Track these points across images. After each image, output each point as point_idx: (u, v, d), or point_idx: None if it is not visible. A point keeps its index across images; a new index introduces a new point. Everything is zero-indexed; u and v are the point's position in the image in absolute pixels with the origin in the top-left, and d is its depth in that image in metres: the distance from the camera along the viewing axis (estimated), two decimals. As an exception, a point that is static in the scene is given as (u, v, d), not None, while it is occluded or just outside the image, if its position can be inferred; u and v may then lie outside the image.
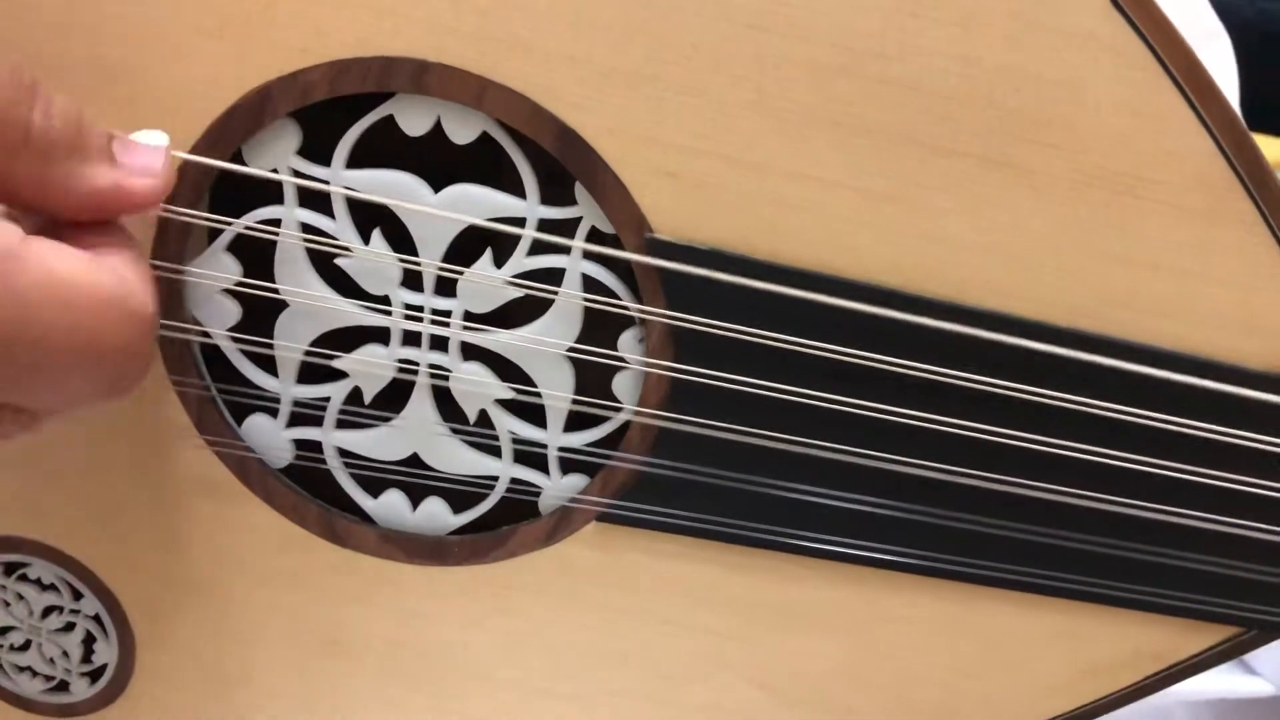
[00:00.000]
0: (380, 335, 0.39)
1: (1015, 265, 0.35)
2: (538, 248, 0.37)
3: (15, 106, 0.26)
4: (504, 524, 0.41)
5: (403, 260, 0.37)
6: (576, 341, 0.38)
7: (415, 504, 0.41)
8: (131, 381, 0.30)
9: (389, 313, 0.38)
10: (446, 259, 0.37)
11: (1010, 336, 0.36)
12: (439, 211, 0.36)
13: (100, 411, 0.33)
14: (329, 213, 0.37)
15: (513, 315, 0.38)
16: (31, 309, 0.26)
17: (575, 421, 0.40)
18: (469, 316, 0.38)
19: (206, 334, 0.39)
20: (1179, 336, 0.36)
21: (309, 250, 0.38)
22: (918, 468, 0.38)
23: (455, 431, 0.40)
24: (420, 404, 0.40)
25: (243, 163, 0.36)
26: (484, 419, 0.40)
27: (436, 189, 0.37)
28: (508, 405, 0.40)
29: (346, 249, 0.37)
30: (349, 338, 0.39)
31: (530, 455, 0.40)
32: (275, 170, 0.37)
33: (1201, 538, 0.38)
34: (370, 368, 0.39)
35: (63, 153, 0.27)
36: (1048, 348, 0.36)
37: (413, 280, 0.38)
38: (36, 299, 0.26)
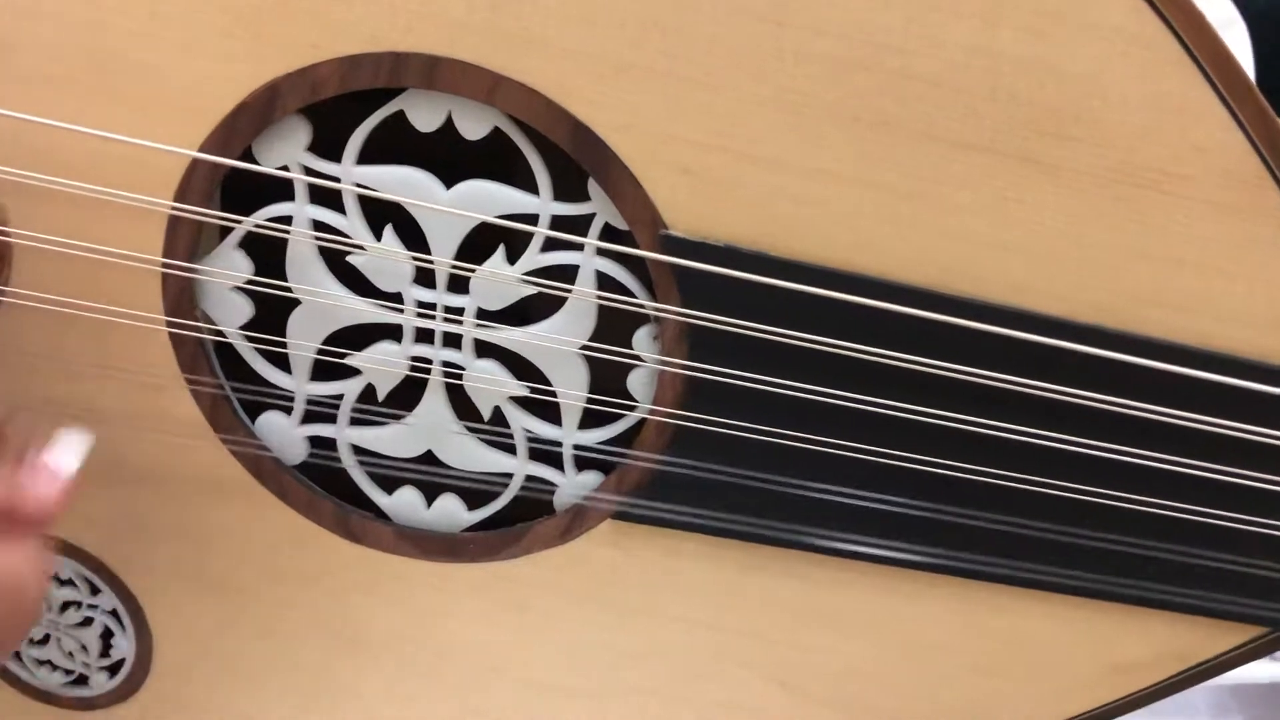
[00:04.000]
0: (393, 332, 0.38)
1: (1037, 261, 0.35)
2: (551, 244, 0.37)
3: None
4: (519, 521, 0.41)
5: (415, 258, 0.37)
6: (591, 339, 0.38)
7: (430, 501, 0.41)
8: (4, 650, 0.32)
9: (402, 310, 0.38)
10: (459, 256, 0.37)
11: (1031, 334, 0.35)
12: (451, 209, 0.36)
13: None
14: (340, 209, 0.37)
15: (526, 312, 0.38)
16: None
17: (590, 419, 0.39)
18: (482, 314, 0.38)
19: (219, 332, 0.39)
20: (1204, 333, 0.35)
21: (321, 247, 0.37)
22: (937, 466, 0.37)
23: (470, 429, 0.40)
24: (434, 401, 0.39)
25: (253, 160, 0.36)
26: (498, 416, 0.40)
27: (448, 185, 0.36)
28: (522, 403, 0.39)
29: (358, 246, 0.37)
30: (362, 335, 0.39)
31: (545, 452, 0.40)
32: (286, 167, 0.36)
33: (1227, 537, 0.38)
34: (383, 365, 0.39)
35: None
36: (1070, 345, 0.35)
37: (425, 277, 0.37)
38: None
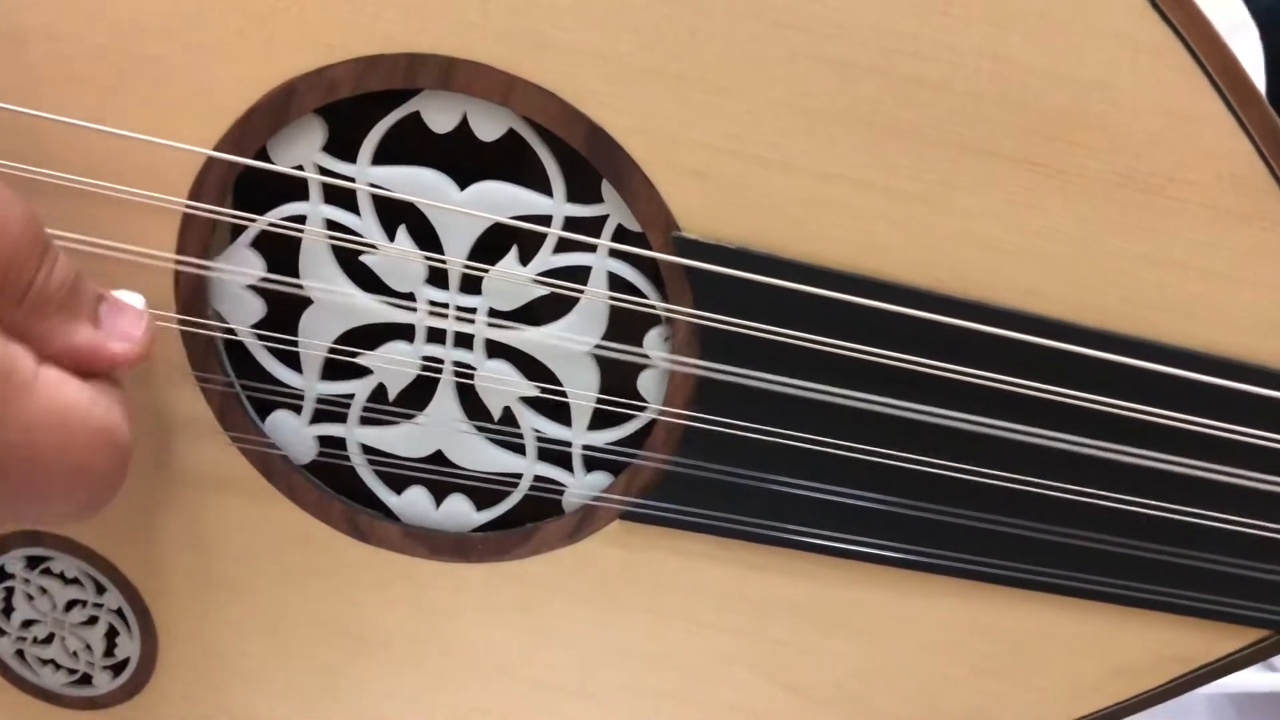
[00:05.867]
0: (405, 332, 0.39)
1: (1045, 266, 0.35)
2: (564, 245, 0.37)
3: (26, 266, 0.29)
4: (527, 521, 0.41)
5: (428, 258, 0.37)
6: (602, 339, 0.38)
7: (439, 501, 0.41)
8: (102, 504, 0.32)
9: (414, 310, 0.38)
10: (472, 256, 0.37)
11: (1039, 337, 0.35)
12: (465, 210, 0.36)
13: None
14: (354, 209, 0.37)
15: (538, 313, 0.38)
16: (35, 433, 0.28)
17: (600, 420, 0.39)
18: (494, 314, 0.38)
19: (231, 330, 0.39)
20: (1209, 338, 0.36)
21: (334, 247, 0.38)
22: (944, 468, 0.38)
23: (479, 429, 0.40)
24: (445, 401, 0.39)
25: (268, 159, 0.36)
26: (508, 416, 0.40)
27: (462, 186, 0.36)
28: (532, 403, 0.40)
29: (372, 246, 0.37)
30: (374, 334, 0.39)
31: (554, 453, 0.40)
32: (301, 167, 0.36)
33: (1230, 540, 0.38)
34: (395, 365, 0.39)
35: (53, 309, 0.30)
36: (1077, 349, 0.36)
37: (438, 277, 0.38)
38: (41, 425, 0.28)
